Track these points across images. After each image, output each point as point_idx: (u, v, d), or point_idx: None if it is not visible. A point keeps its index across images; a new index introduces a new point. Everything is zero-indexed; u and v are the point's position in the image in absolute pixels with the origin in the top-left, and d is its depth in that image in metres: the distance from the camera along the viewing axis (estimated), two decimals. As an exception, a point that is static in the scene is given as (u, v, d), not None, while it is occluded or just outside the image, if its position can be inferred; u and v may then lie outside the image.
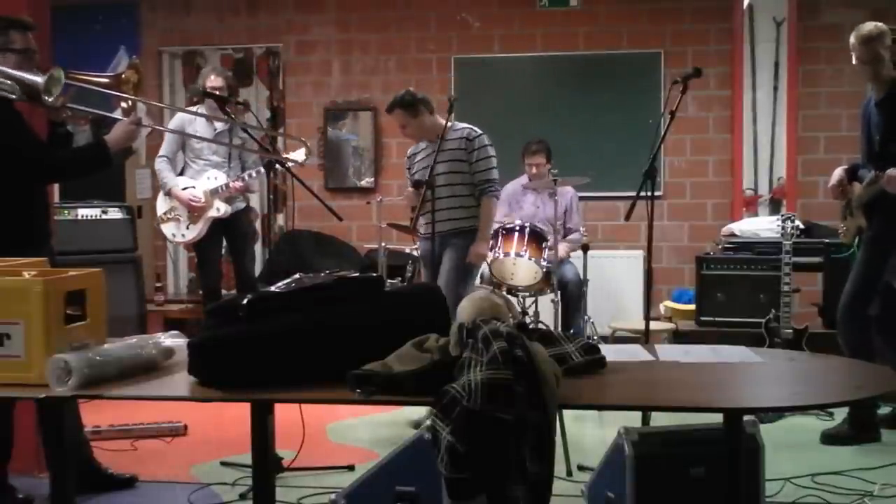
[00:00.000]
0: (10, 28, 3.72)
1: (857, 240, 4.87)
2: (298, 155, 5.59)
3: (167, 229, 5.99)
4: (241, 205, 5.97)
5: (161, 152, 6.00)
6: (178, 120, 6.01)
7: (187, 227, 5.91)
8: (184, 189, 5.86)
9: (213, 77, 5.86)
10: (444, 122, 5.03)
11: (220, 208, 5.84)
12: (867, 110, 4.72)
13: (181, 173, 5.97)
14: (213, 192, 5.81)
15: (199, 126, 5.80)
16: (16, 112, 3.72)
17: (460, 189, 5.07)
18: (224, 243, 6.04)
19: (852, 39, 4.58)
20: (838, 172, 4.85)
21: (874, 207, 4.62)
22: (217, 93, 5.41)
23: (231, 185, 5.79)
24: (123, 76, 3.80)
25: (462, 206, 5.09)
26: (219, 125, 5.75)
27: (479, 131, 5.12)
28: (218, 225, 5.90)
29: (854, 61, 4.61)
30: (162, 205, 6.01)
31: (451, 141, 5.03)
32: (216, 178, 5.83)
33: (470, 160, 5.05)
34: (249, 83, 7.75)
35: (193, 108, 5.95)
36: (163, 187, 5.98)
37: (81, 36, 7.63)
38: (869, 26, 4.56)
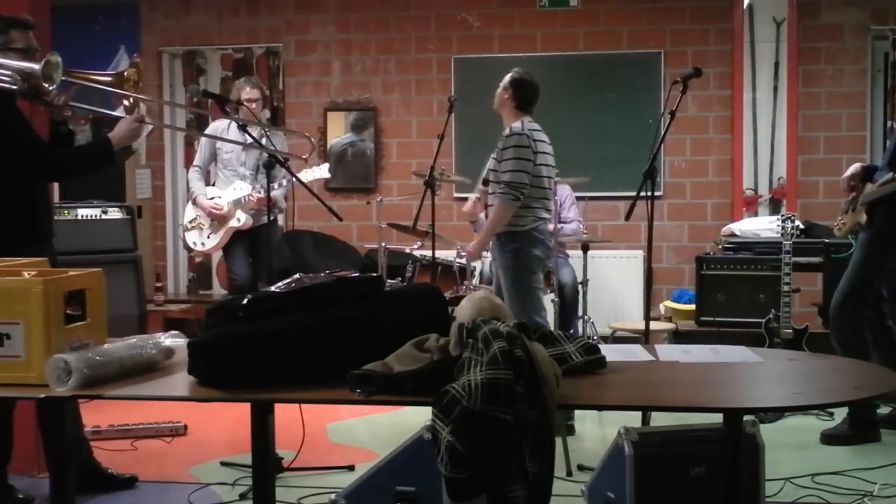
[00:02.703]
0: (10, 27, 3.73)
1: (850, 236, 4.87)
2: (322, 171, 5.61)
3: (190, 237, 6.01)
4: (265, 218, 5.73)
5: (195, 162, 6.06)
6: (212, 128, 6.02)
7: (208, 236, 5.93)
8: (210, 198, 5.89)
9: (248, 89, 5.84)
10: (516, 119, 4.79)
11: (240, 219, 5.83)
12: None
13: (214, 184, 6.03)
14: (236, 203, 5.81)
15: (232, 135, 5.76)
16: (17, 111, 3.73)
17: (495, 187, 4.82)
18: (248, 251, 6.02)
19: None
20: (855, 167, 4.84)
21: (877, 207, 4.60)
22: (219, 93, 5.42)
23: (251, 196, 5.77)
24: (126, 74, 3.80)
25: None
26: (248, 137, 5.69)
27: (519, 129, 4.73)
28: (241, 235, 5.90)
29: None
30: (188, 213, 6.05)
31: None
32: (241, 189, 5.83)
33: (499, 158, 4.77)
34: (249, 83, 7.75)
35: (226, 121, 5.89)
36: (190, 196, 6.03)
37: (81, 36, 7.63)
38: None
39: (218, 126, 5.95)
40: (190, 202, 6.05)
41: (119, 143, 3.75)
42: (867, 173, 4.80)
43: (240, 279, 5.95)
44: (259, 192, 5.74)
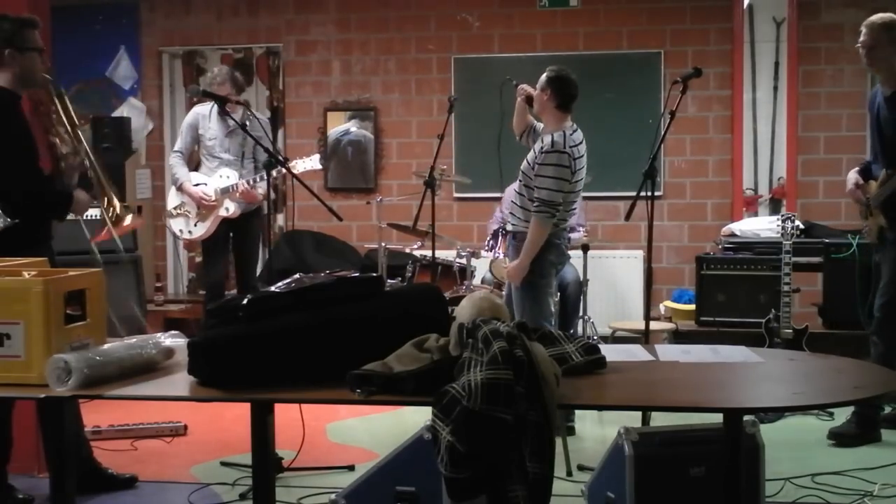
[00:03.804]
0: (26, 27, 3.77)
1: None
2: (314, 162, 5.55)
3: (175, 224, 5.88)
4: (251, 207, 5.80)
5: (175, 147, 5.93)
6: (191, 115, 5.91)
7: (195, 225, 5.79)
8: (195, 185, 5.76)
9: (216, 87, 5.65)
10: (558, 124, 4.67)
11: (229, 208, 5.69)
12: (875, 104, 4.67)
13: (196, 170, 5.91)
14: (224, 191, 5.69)
15: (213, 123, 5.74)
16: (29, 135, 3.80)
17: (525, 189, 4.71)
18: (230, 243, 5.94)
19: (862, 25, 4.58)
20: (852, 176, 4.82)
21: (889, 204, 4.58)
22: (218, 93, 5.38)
23: (240, 186, 5.66)
24: (118, 214, 3.84)
25: (522, 207, 4.73)
26: (231, 122, 5.66)
27: (561, 145, 4.56)
28: (225, 224, 5.80)
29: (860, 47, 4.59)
30: (172, 199, 5.90)
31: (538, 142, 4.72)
32: (228, 176, 5.69)
33: (536, 170, 4.61)
34: (249, 83, 7.72)
35: (207, 105, 5.85)
36: (174, 182, 5.88)
37: (81, 36, 7.63)
38: (881, 14, 4.56)
39: (198, 113, 5.85)
40: (174, 188, 5.90)
41: (75, 208, 3.89)
42: (866, 173, 4.79)
43: (211, 278, 5.88)
44: (245, 184, 5.63)
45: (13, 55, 3.72)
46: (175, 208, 5.87)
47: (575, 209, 4.85)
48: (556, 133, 4.61)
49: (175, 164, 5.88)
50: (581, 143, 4.70)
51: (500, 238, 5.62)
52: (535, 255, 4.62)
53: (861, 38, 4.57)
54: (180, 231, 5.88)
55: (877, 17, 4.57)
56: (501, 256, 5.55)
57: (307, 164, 5.49)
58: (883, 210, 4.64)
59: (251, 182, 5.62)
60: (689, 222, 7.27)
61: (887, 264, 4.68)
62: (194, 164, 5.98)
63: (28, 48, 3.75)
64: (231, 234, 5.83)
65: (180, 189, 5.84)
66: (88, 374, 2.42)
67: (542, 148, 4.61)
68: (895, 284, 4.65)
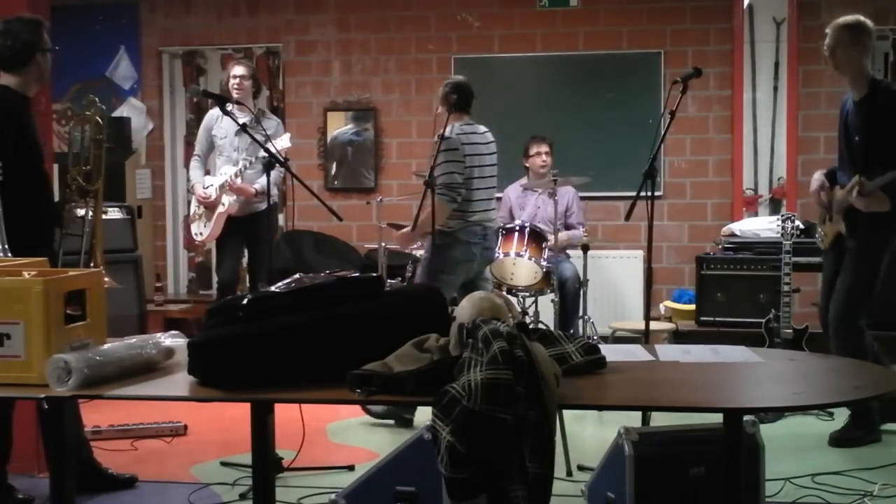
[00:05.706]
0: (42, 27, 3.80)
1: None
2: (284, 141, 5.52)
3: (194, 228, 6.01)
4: (260, 206, 5.77)
5: (195, 151, 6.07)
6: (206, 118, 6.02)
7: (205, 225, 5.90)
8: (206, 187, 5.85)
9: (234, 67, 5.84)
10: (451, 122, 4.90)
11: (225, 203, 5.73)
12: (845, 110, 4.65)
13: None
14: (221, 187, 5.75)
15: (224, 122, 5.76)
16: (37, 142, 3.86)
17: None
18: (244, 245, 6.00)
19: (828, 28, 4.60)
20: (818, 177, 4.81)
21: (855, 214, 4.56)
22: (217, 92, 5.40)
23: (228, 181, 5.69)
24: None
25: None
26: (241, 120, 5.67)
27: (448, 133, 4.85)
28: (235, 223, 5.83)
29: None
30: (193, 203, 6.05)
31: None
32: (226, 173, 5.76)
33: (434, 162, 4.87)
34: (249, 83, 7.75)
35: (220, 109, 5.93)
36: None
37: (81, 36, 7.63)
38: (847, 17, 4.57)
39: (211, 116, 5.95)
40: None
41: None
42: (831, 178, 4.77)
43: (220, 276, 5.93)
44: (232, 177, 5.66)
45: (38, 57, 3.75)
46: (194, 212, 6.01)
47: (478, 202, 4.94)
48: (447, 129, 4.88)
49: (192, 167, 6.03)
50: (475, 135, 4.94)
51: (500, 237, 5.62)
52: (439, 246, 4.83)
53: (826, 42, 4.57)
54: (196, 234, 6.02)
55: (841, 18, 4.57)
56: (501, 257, 5.56)
57: (279, 144, 5.49)
58: (845, 216, 4.61)
59: (237, 173, 5.64)
60: (689, 222, 7.27)
61: (845, 274, 4.63)
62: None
63: (48, 49, 3.78)
64: (243, 235, 5.88)
65: (193, 192, 5.96)
66: (88, 374, 2.42)
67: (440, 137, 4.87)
68: (849, 298, 4.60)
